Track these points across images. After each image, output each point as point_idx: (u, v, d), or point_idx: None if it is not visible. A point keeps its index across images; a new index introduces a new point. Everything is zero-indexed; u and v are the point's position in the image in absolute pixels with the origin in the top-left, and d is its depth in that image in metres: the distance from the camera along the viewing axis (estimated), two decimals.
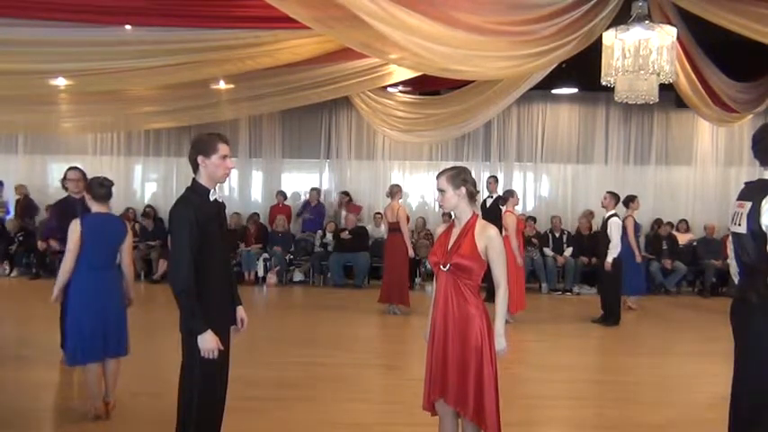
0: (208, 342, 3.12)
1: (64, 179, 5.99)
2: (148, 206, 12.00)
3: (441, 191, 3.26)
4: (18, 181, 12.19)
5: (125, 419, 4.48)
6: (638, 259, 9.15)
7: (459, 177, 3.23)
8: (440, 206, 3.35)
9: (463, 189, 3.22)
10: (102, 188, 4.46)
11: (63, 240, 5.89)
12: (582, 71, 9.02)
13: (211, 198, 3.29)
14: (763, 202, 3.05)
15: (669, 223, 11.49)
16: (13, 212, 11.89)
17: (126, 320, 4.49)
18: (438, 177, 3.29)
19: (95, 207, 4.48)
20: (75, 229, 4.35)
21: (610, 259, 8.09)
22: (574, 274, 11.03)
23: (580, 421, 4.82)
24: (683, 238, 11.48)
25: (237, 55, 7.56)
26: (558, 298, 10.64)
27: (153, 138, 12.48)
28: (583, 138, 12.45)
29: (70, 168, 6.06)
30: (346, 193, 12.12)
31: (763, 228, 3.04)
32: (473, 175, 3.36)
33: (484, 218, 3.38)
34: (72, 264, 4.35)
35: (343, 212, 11.74)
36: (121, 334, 4.46)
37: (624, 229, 8.60)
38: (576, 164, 12.48)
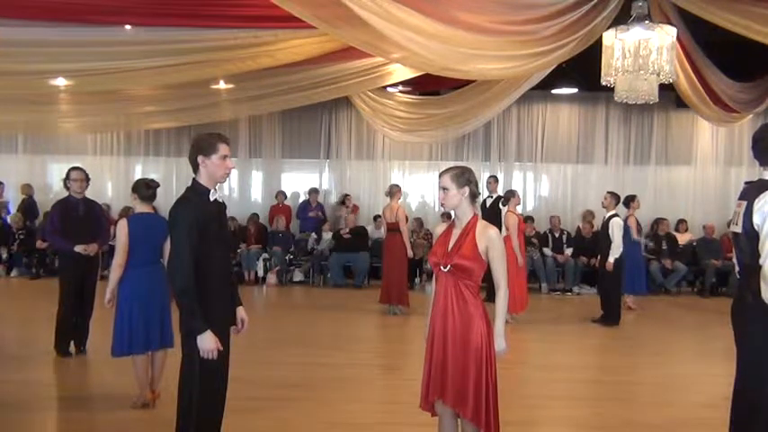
0: (207, 342, 3.12)
1: (66, 179, 6.04)
2: None
3: (444, 189, 3.23)
4: (19, 181, 12.20)
5: (125, 420, 4.48)
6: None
7: (464, 177, 3.22)
8: (441, 204, 3.33)
9: (466, 189, 3.21)
10: (148, 189, 4.68)
11: (65, 239, 5.97)
12: (582, 71, 9.02)
13: (212, 198, 3.29)
14: (755, 201, 3.07)
15: (664, 219, 11.45)
16: (13, 212, 11.88)
17: (170, 314, 4.56)
18: (442, 175, 3.27)
19: (140, 207, 4.70)
20: (122, 228, 4.55)
21: (611, 260, 8.08)
22: (574, 274, 11.03)
23: (580, 421, 4.82)
24: (682, 238, 11.48)
25: (237, 55, 7.55)
26: (557, 298, 10.64)
27: (153, 138, 12.48)
28: (583, 138, 12.45)
29: (73, 168, 6.11)
30: (347, 196, 12.09)
31: (755, 227, 3.05)
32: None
33: (484, 218, 3.38)
34: (123, 262, 4.55)
35: (345, 213, 11.70)
36: (166, 327, 4.62)
37: (626, 228, 8.62)
38: (576, 164, 12.49)
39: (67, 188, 6.08)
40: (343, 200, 12.00)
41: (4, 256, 11.36)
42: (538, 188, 12.69)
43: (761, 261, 2.98)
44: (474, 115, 10.61)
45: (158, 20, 6.83)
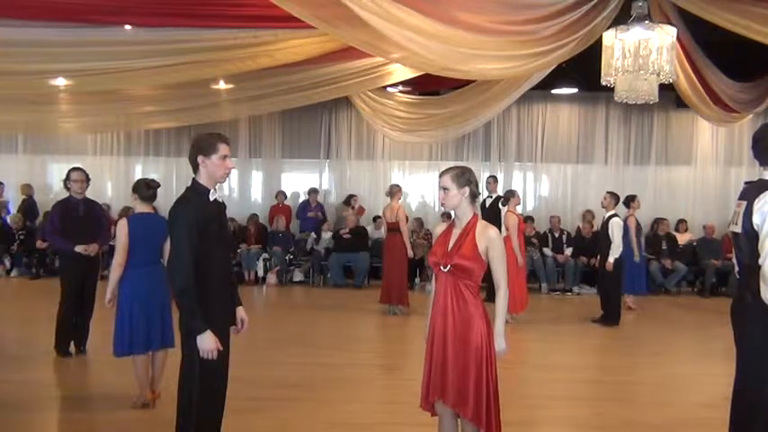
0: (207, 342, 3.12)
1: (67, 179, 6.04)
2: None
3: (444, 189, 3.23)
4: (19, 181, 12.20)
5: (125, 420, 4.48)
6: (636, 259, 9.16)
7: (464, 177, 3.22)
8: (441, 204, 3.33)
9: (467, 189, 3.21)
10: (149, 189, 4.68)
11: (66, 239, 5.98)
12: (582, 71, 9.02)
13: (211, 198, 3.29)
14: (755, 201, 3.07)
15: (664, 219, 11.46)
16: (13, 212, 11.88)
17: (171, 314, 4.54)
18: (442, 175, 3.27)
19: (140, 207, 4.71)
20: (122, 228, 4.55)
21: (611, 259, 8.08)
22: (574, 274, 11.03)
23: (580, 421, 4.82)
24: (682, 238, 11.48)
25: (237, 55, 7.55)
26: (557, 298, 10.64)
27: (153, 138, 12.48)
28: (583, 138, 12.45)
29: (73, 169, 6.11)
30: (353, 196, 12.05)
31: (755, 227, 3.05)
32: None
33: (483, 218, 3.38)
34: (123, 261, 4.55)
35: (350, 214, 11.66)
36: (166, 327, 4.62)
37: (626, 228, 8.61)
38: (576, 164, 12.48)
39: (68, 189, 6.09)
40: (349, 200, 11.99)
41: (5, 258, 11.35)
42: (538, 188, 12.69)
43: (760, 261, 2.98)
44: (474, 115, 10.61)
45: (158, 20, 6.83)
